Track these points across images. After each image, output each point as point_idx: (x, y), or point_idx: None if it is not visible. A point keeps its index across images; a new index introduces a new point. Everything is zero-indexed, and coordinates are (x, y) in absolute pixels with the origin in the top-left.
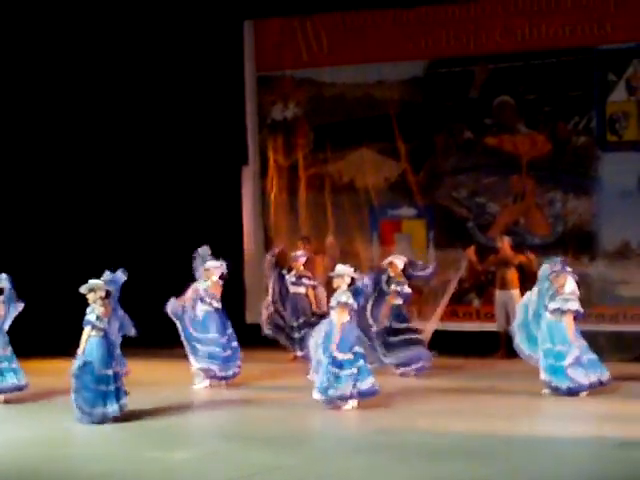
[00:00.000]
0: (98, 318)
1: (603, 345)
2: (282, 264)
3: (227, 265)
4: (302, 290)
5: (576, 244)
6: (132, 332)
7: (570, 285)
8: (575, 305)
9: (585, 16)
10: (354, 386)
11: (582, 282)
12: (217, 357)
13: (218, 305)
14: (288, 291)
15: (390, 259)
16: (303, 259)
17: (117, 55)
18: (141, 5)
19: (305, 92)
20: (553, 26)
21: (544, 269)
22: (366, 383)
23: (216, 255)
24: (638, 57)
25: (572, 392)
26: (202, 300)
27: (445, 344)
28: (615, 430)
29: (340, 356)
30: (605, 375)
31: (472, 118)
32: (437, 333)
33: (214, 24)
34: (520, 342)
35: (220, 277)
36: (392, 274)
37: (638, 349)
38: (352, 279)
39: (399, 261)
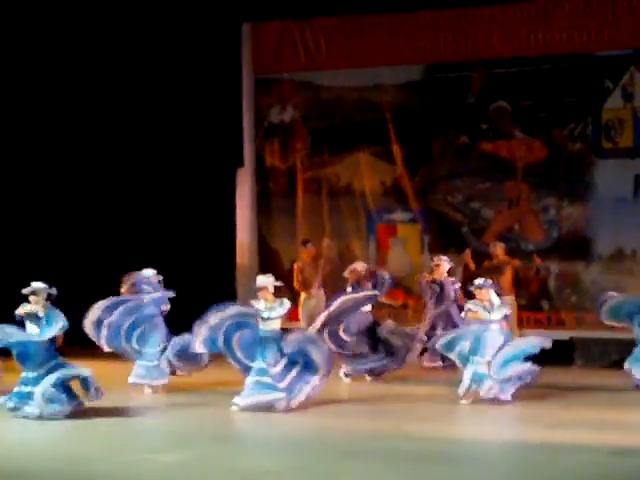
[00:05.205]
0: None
1: (598, 351)
2: None
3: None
4: None
5: (570, 250)
6: None
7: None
8: None
9: (582, 23)
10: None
11: (576, 288)
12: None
13: None
14: None
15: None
16: None
17: (115, 57)
18: (140, 7)
19: (303, 95)
20: (550, 32)
21: None
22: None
23: (210, 258)
24: (635, 64)
25: None
26: None
27: None
28: (612, 438)
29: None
30: None
31: (468, 123)
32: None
33: (212, 26)
34: None
35: None
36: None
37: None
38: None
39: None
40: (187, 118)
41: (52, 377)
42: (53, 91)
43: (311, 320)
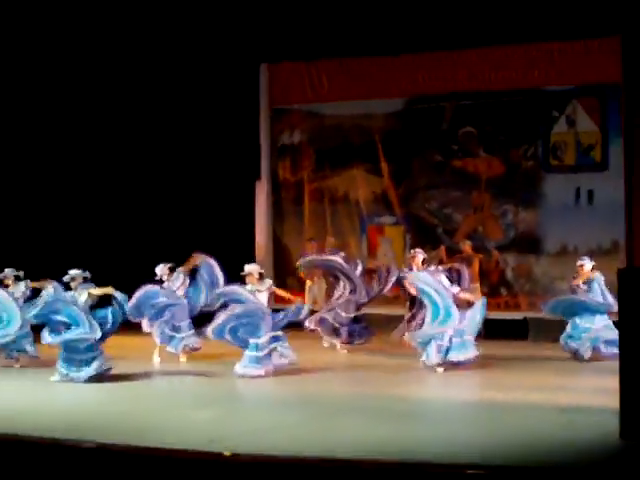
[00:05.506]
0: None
1: (547, 328)
2: None
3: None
4: None
5: (524, 247)
6: None
7: None
8: None
9: (534, 64)
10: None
11: (530, 277)
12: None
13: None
14: None
15: None
16: None
17: (159, 91)
18: (178, 51)
19: (309, 122)
20: (508, 71)
21: None
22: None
23: (232, 256)
24: (576, 97)
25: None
26: None
27: None
28: (559, 399)
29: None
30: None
31: (442, 145)
32: None
33: (236, 67)
34: None
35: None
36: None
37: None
38: (260, 274)
39: None
40: (216, 142)
41: (96, 364)
42: (74, 114)
43: (315, 303)
